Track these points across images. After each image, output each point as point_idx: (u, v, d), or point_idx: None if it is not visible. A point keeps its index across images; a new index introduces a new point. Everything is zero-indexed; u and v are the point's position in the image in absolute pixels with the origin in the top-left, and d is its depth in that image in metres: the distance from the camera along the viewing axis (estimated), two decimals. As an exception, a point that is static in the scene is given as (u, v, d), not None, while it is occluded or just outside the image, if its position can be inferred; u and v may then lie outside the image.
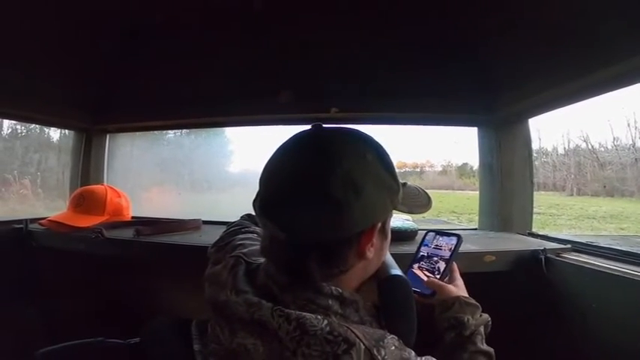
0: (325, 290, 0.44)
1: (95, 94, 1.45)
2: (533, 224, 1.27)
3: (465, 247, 0.94)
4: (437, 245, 0.72)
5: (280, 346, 0.38)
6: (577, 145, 2.01)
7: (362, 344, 0.37)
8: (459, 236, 0.71)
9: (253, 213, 0.89)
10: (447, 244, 0.71)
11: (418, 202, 0.55)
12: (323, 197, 0.40)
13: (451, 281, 0.66)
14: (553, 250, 0.92)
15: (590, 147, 1.98)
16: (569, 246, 0.95)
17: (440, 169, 2.66)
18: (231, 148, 1.76)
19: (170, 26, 1.41)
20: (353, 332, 0.38)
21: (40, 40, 1.16)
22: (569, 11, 0.86)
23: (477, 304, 0.61)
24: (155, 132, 1.70)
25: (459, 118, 1.35)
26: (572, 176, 2.15)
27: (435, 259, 0.70)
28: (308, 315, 0.39)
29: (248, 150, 1.68)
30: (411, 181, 0.59)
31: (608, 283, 0.75)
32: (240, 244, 0.59)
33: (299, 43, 1.32)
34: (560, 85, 0.95)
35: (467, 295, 0.63)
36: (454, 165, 2.50)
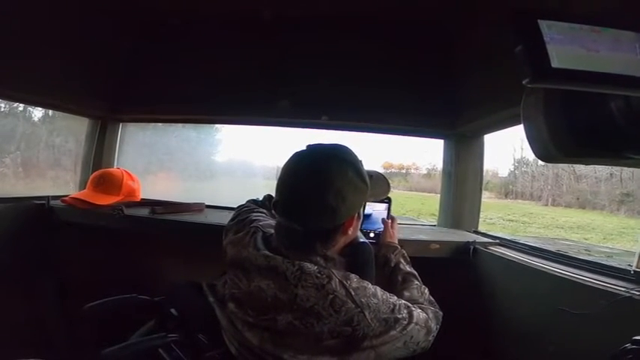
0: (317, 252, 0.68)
1: (113, 88, 1.61)
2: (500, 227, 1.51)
3: (417, 237, 1.21)
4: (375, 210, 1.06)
5: (286, 282, 0.63)
6: (558, 156, 2.16)
7: (337, 277, 0.63)
8: (389, 199, 1.03)
9: (252, 198, 1.13)
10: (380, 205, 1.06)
11: (381, 190, 0.82)
12: (324, 206, 0.64)
13: (383, 233, 1.01)
14: (483, 244, 1.18)
15: (570, 159, 2.13)
16: (497, 241, 1.22)
17: (425, 172, 2.81)
18: (226, 142, 1.98)
19: (182, 32, 1.59)
20: (331, 271, 0.64)
21: (70, 40, 1.33)
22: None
23: (396, 245, 0.96)
24: (161, 124, 1.88)
25: (428, 132, 1.61)
26: (549, 187, 2.30)
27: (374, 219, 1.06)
28: (304, 262, 0.65)
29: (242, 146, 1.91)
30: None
31: (513, 268, 1.01)
32: (256, 219, 0.82)
33: (300, 56, 1.53)
34: (511, 107, 1.12)
35: (392, 241, 0.97)
36: (438, 169, 2.75)
